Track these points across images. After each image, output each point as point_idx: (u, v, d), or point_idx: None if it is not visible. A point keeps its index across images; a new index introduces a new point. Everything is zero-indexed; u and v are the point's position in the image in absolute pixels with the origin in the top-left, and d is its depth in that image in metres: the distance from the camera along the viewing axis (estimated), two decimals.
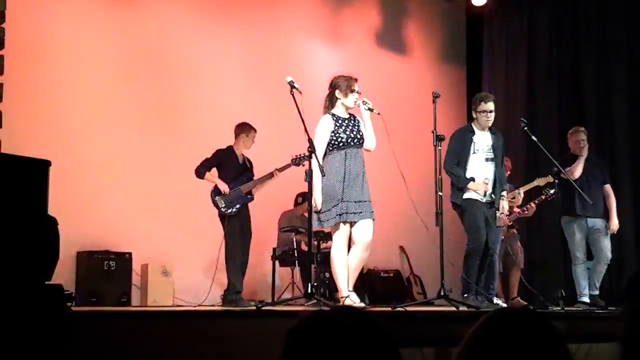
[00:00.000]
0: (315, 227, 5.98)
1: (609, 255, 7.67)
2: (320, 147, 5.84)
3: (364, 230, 5.83)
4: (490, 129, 6.69)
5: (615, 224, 7.73)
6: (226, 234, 7.37)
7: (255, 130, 7.69)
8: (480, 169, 6.56)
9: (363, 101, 6.02)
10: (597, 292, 7.64)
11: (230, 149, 7.65)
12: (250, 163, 7.78)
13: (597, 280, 7.66)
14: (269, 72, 8.92)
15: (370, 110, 6.01)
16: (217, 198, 7.44)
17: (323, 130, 5.89)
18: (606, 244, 7.66)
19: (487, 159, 6.59)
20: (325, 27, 10.03)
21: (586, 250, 7.74)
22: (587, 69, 9.65)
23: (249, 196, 7.58)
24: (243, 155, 7.72)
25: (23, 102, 7.44)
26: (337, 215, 5.77)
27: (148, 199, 8.29)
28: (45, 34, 7.99)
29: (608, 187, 7.81)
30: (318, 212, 5.83)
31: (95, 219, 7.92)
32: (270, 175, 7.60)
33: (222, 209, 7.42)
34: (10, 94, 7.17)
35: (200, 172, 7.47)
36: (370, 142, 6.04)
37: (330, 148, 5.88)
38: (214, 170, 7.59)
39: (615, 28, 9.52)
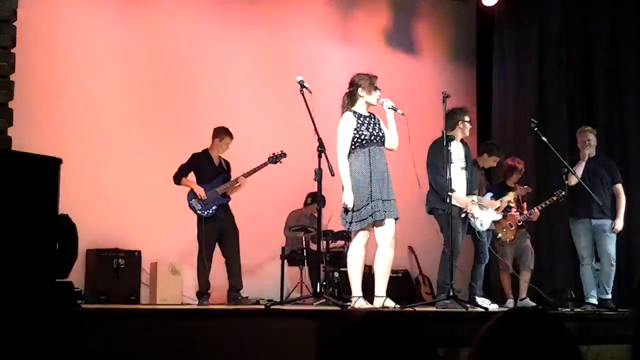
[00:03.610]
0: (346, 228, 5.92)
1: (613, 255, 7.52)
2: (344, 145, 5.77)
3: (387, 229, 5.76)
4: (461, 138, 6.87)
5: (619, 224, 7.57)
6: (199, 237, 7.45)
7: (230, 137, 7.71)
8: (457, 178, 6.59)
9: (385, 100, 6.00)
10: (608, 296, 7.47)
11: (205, 152, 7.72)
12: (228, 165, 7.83)
13: (605, 284, 7.50)
14: (280, 72, 8.92)
15: (394, 109, 5.97)
16: (192, 201, 7.52)
17: (346, 128, 5.80)
18: (609, 244, 7.53)
19: (461, 168, 6.76)
20: (336, 28, 10.03)
21: (593, 251, 7.65)
22: (598, 69, 9.60)
23: (225, 197, 7.61)
24: (220, 157, 7.77)
25: (34, 100, 7.48)
26: (368, 216, 5.67)
27: (157, 198, 8.30)
28: (57, 33, 8.03)
29: (618, 187, 7.68)
30: (348, 212, 5.71)
31: (105, 217, 7.94)
32: (235, 182, 7.62)
33: (198, 211, 7.48)
34: (21, 92, 7.20)
35: (177, 178, 7.58)
36: (393, 141, 5.97)
37: (354, 146, 5.78)
38: (192, 175, 7.65)
39: (626, 28, 9.47)
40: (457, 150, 6.75)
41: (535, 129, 6.98)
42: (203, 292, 7.45)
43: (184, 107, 8.70)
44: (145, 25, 8.63)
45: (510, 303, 7.84)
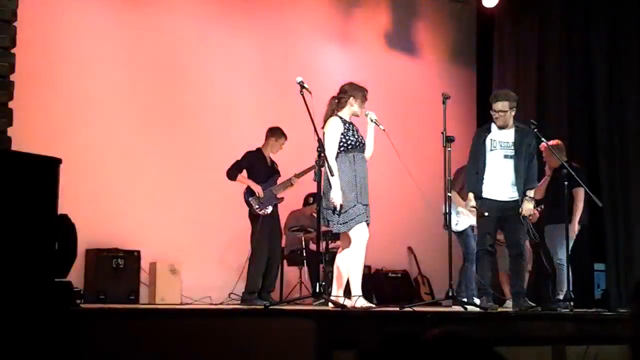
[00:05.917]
0: (333, 229, 6.03)
1: (555, 259, 7.54)
2: (332, 149, 5.88)
3: (365, 232, 5.90)
4: (516, 125, 6.59)
5: (573, 227, 7.46)
6: (256, 235, 7.48)
7: (285, 138, 7.77)
8: (498, 166, 6.47)
9: (369, 113, 6.15)
10: (562, 297, 7.42)
11: (259, 151, 7.74)
12: (277, 165, 7.86)
13: (558, 287, 7.55)
14: (280, 73, 8.93)
15: (377, 124, 6.12)
16: (251, 199, 7.55)
17: (335, 132, 5.93)
18: (556, 250, 7.54)
19: (505, 156, 6.45)
20: (336, 29, 10.03)
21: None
22: (598, 70, 9.61)
23: (279, 197, 7.70)
24: (270, 157, 7.79)
25: (34, 100, 7.47)
26: (356, 216, 5.81)
27: (157, 197, 8.31)
28: (57, 33, 8.02)
29: (574, 190, 7.50)
30: (337, 214, 5.79)
31: (105, 216, 7.94)
32: (289, 183, 7.73)
33: (256, 210, 7.51)
34: (21, 92, 7.20)
35: (232, 174, 7.58)
36: (370, 151, 6.13)
37: (339, 150, 5.92)
38: (244, 172, 7.68)
39: (627, 29, 9.47)
40: (501, 137, 6.50)
41: (535, 130, 6.96)
42: (253, 291, 7.46)
43: (183, 107, 8.69)
44: (146, 26, 8.63)
45: (508, 303, 7.83)
